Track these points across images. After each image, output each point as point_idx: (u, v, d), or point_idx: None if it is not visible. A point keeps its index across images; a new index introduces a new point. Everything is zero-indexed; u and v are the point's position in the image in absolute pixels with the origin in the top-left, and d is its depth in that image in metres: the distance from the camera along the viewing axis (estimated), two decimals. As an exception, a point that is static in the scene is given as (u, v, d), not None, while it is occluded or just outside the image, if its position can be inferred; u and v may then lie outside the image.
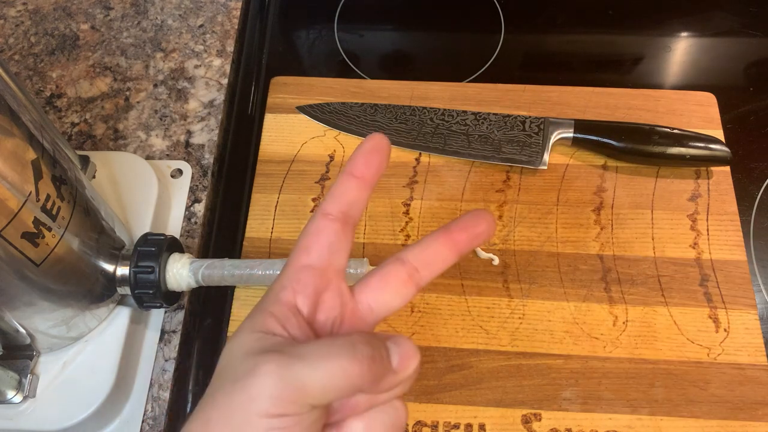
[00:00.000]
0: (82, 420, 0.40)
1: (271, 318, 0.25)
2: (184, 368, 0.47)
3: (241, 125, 0.58)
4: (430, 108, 0.54)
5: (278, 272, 0.43)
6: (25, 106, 0.38)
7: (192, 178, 0.52)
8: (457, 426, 0.43)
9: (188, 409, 0.46)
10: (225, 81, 0.57)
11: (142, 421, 0.43)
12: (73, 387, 0.41)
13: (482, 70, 0.60)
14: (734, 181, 0.51)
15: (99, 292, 0.42)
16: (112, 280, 0.42)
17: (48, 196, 0.34)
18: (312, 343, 0.23)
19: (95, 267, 0.40)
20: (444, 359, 0.45)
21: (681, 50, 0.61)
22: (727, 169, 0.51)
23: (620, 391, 0.43)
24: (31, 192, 0.33)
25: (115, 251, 0.42)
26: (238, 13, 0.62)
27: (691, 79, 0.59)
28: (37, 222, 0.34)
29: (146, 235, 0.43)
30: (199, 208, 0.51)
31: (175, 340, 0.46)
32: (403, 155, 0.53)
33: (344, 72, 0.61)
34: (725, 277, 0.47)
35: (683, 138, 0.50)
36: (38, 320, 0.39)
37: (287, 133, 0.55)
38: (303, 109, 0.55)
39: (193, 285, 0.43)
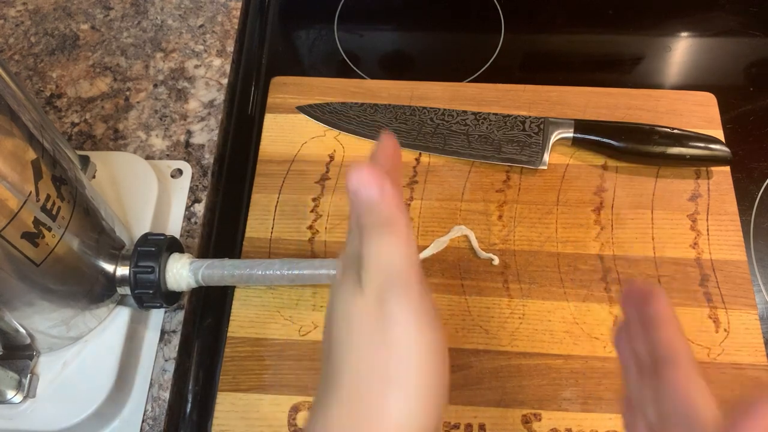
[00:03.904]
0: (82, 420, 0.40)
1: None
2: (184, 368, 0.47)
3: (241, 125, 0.58)
4: (430, 108, 0.54)
5: (278, 272, 0.43)
6: (25, 106, 0.38)
7: (192, 178, 0.52)
8: (457, 426, 0.43)
9: (188, 409, 0.46)
10: (225, 81, 0.57)
11: (142, 421, 0.43)
12: (73, 387, 0.41)
13: (482, 70, 0.60)
14: (734, 181, 0.51)
15: (99, 292, 0.42)
16: (112, 280, 0.42)
17: (48, 196, 0.34)
18: None
19: (95, 267, 0.40)
20: (444, 359, 0.45)
21: (681, 50, 0.61)
22: (727, 169, 0.51)
23: (620, 391, 0.43)
24: (31, 192, 0.33)
25: (115, 251, 0.42)
26: (238, 13, 0.62)
27: (691, 79, 0.59)
28: (37, 222, 0.34)
29: (146, 235, 0.43)
30: (199, 208, 0.51)
31: (175, 340, 0.46)
32: (403, 155, 0.53)
33: (344, 72, 0.61)
34: (725, 277, 0.47)
35: (683, 138, 0.50)
36: (38, 320, 0.39)
37: (287, 133, 0.55)
38: (303, 109, 0.55)
39: (193, 285, 0.43)
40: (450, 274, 0.48)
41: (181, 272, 0.42)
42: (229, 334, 0.46)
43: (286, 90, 0.57)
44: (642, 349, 0.29)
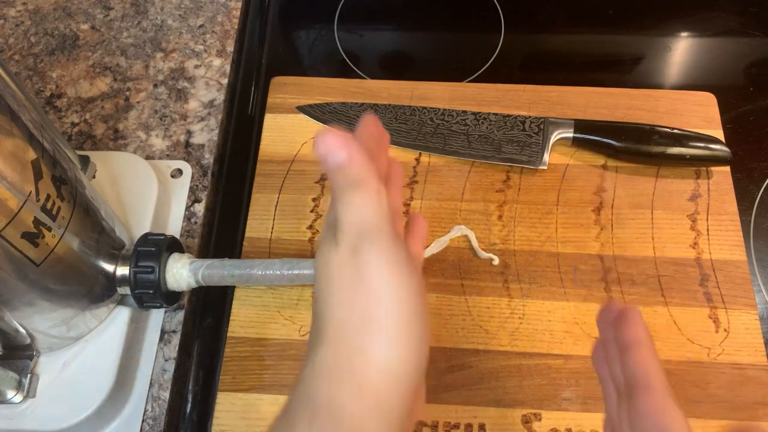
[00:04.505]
0: (82, 420, 0.40)
1: None
2: (184, 368, 0.47)
3: (241, 125, 0.58)
4: (430, 108, 0.54)
5: (278, 272, 0.43)
6: (25, 106, 0.38)
7: (192, 178, 0.52)
8: (457, 426, 0.43)
9: (188, 409, 0.46)
10: (225, 81, 0.57)
11: (142, 421, 0.43)
12: (73, 387, 0.41)
13: (482, 70, 0.60)
14: (734, 181, 0.51)
15: (99, 292, 0.42)
16: (112, 280, 0.42)
17: (48, 196, 0.34)
18: None
19: (95, 267, 0.40)
20: (444, 359, 0.45)
21: (681, 50, 0.61)
22: (727, 169, 0.51)
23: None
24: (31, 192, 0.33)
25: (115, 251, 0.42)
26: (238, 13, 0.62)
27: (691, 79, 0.59)
28: (37, 222, 0.34)
29: (146, 235, 0.43)
30: (199, 208, 0.51)
31: (175, 340, 0.46)
32: (403, 155, 0.53)
33: (344, 72, 0.61)
34: (725, 277, 0.47)
35: (683, 138, 0.50)
36: (38, 320, 0.39)
37: (287, 133, 0.55)
38: (303, 109, 0.55)
39: (193, 285, 0.43)
40: (450, 274, 0.48)
41: (181, 272, 0.42)
42: (229, 334, 0.46)
43: (286, 90, 0.57)
44: (618, 372, 0.29)
